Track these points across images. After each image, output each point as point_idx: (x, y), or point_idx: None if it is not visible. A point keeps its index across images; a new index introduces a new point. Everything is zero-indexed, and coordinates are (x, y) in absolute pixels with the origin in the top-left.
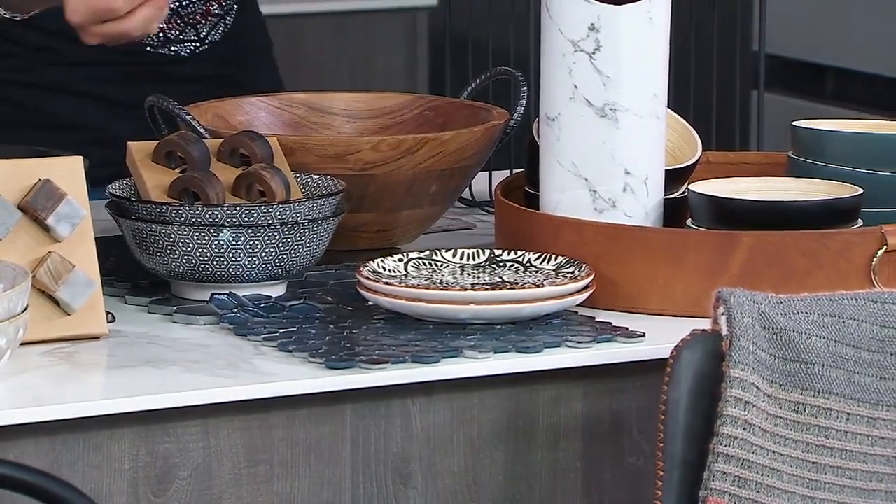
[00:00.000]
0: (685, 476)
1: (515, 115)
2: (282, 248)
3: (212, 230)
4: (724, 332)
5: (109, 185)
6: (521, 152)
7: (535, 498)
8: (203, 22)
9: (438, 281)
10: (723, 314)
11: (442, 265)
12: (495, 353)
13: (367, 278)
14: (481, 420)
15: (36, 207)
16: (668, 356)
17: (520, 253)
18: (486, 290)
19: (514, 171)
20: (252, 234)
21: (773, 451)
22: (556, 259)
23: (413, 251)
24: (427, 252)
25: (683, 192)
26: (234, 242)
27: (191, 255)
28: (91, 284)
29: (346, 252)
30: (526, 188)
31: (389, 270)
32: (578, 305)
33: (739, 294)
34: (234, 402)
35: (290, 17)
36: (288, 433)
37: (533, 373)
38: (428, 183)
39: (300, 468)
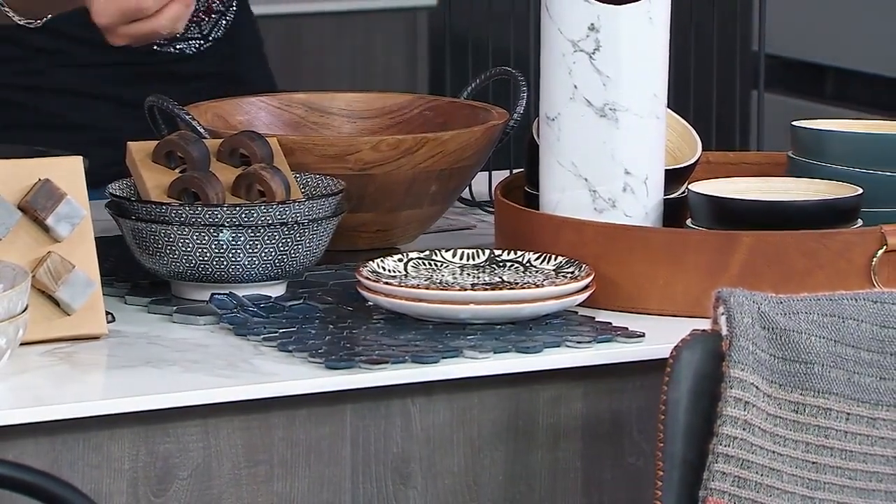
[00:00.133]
0: (685, 476)
1: (515, 115)
2: (282, 248)
3: (212, 230)
4: (724, 332)
5: (109, 186)
6: (520, 152)
7: (535, 498)
8: (206, 19)
9: (438, 281)
10: (723, 314)
11: (442, 265)
12: (495, 353)
13: (367, 278)
14: (481, 420)
15: (36, 207)
16: (668, 356)
17: (520, 253)
18: (486, 290)
19: (514, 171)
20: (252, 234)
21: (773, 452)
22: (556, 259)
23: (413, 251)
24: (427, 252)
25: (683, 192)
26: (233, 242)
27: (191, 255)
28: (91, 284)
29: (346, 252)
30: (526, 188)
31: (389, 270)
32: (578, 305)
33: (739, 294)
34: (234, 402)
35: (291, 16)
36: (288, 433)
37: (533, 373)
38: (428, 183)
39: (300, 468)
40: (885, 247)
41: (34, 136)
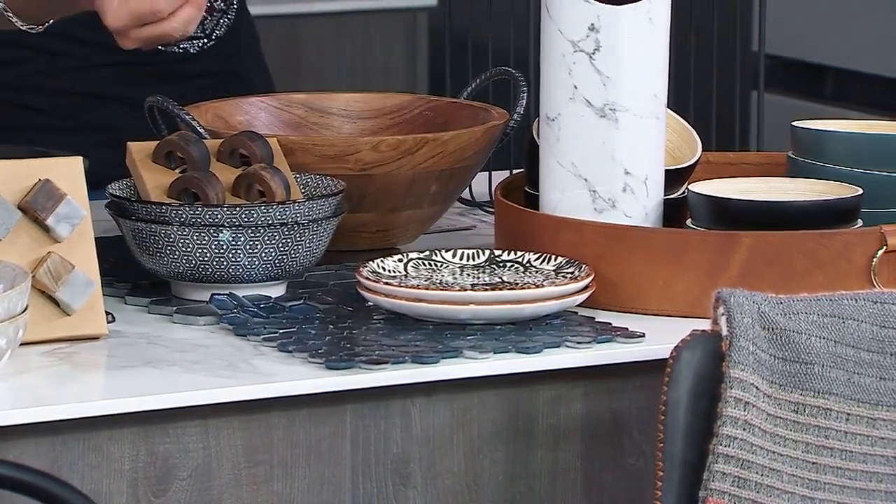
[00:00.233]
0: (685, 476)
1: (515, 115)
2: (281, 249)
3: (211, 230)
4: (724, 332)
5: (109, 186)
6: (520, 152)
7: (535, 498)
8: (209, 18)
9: (438, 281)
10: (723, 314)
11: (442, 265)
12: (495, 353)
13: (367, 279)
14: (481, 420)
15: (36, 208)
16: (667, 356)
17: (520, 253)
18: (486, 290)
19: (514, 171)
20: (252, 235)
21: (773, 452)
22: (555, 259)
23: (413, 251)
24: (427, 252)
25: (683, 193)
26: (233, 243)
27: (190, 256)
28: (91, 285)
29: (346, 252)
30: (526, 188)
31: (389, 271)
32: (578, 306)
33: (739, 294)
34: (234, 402)
35: (290, 17)
36: (288, 433)
37: (533, 373)
38: (428, 183)
39: (300, 468)
40: (884, 247)
41: (35, 136)
